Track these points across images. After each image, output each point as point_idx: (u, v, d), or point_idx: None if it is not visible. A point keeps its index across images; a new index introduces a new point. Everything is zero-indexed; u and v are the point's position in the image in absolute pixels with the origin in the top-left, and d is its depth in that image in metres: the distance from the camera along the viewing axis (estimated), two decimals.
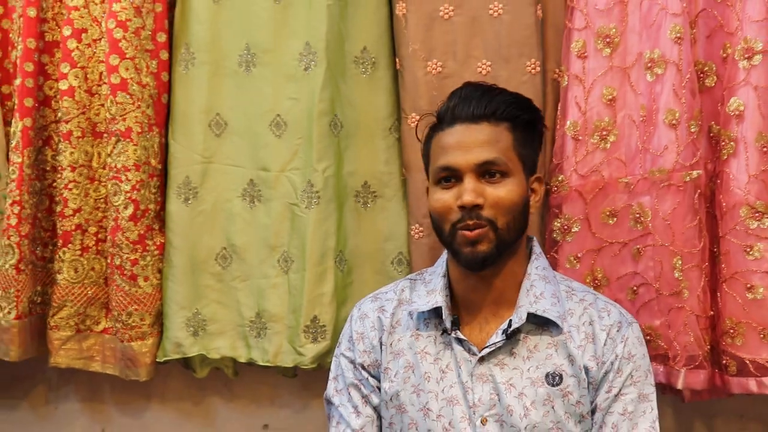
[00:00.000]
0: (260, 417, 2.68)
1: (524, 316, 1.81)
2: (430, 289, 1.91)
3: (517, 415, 1.79)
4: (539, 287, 1.85)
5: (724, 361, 2.19)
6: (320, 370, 2.35)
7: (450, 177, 1.81)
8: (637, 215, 2.23)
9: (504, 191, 1.78)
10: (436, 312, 1.88)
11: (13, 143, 2.39)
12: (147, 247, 2.40)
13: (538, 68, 2.28)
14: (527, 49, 2.28)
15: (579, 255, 2.27)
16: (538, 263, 1.90)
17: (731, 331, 2.17)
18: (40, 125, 2.44)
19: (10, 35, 2.50)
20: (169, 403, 2.71)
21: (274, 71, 2.39)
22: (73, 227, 2.42)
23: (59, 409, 2.75)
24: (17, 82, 2.39)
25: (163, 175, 2.46)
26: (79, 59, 2.41)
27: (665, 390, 2.32)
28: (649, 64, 2.21)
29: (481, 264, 1.79)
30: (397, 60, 2.37)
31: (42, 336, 2.49)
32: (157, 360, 2.45)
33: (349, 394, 1.94)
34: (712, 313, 2.21)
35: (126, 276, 2.38)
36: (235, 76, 2.42)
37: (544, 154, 2.30)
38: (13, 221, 2.37)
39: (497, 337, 1.81)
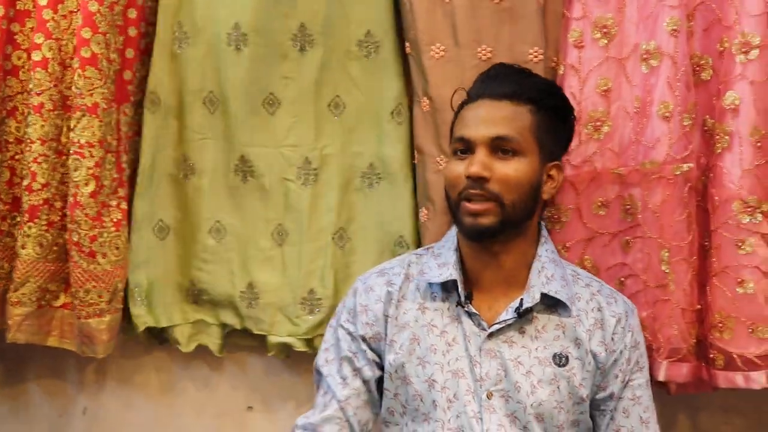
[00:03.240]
0: (244, 398, 2.67)
1: (537, 296, 1.85)
2: (442, 263, 1.93)
3: (524, 392, 1.84)
4: (550, 269, 1.90)
5: (711, 355, 2.21)
6: (312, 353, 2.34)
7: (465, 149, 1.85)
8: (628, 206, 2.23)
9: (512, 169, 1.81)
10: (445, 286, 1.91)
11: None
12: (104, 224, 2.37)
13: (541, 56, 2.27)
14: (530, 37, 2.27)
15: (568, 245, 2.27)
16: (548, 246, 1.95)
17: (720, 325, 2.18)
18: (5, 95, 2.38)
19: None
20: (145, 383, 2.70)
21: (267, 51, 2.40)
22: (41, 202, 2.36)
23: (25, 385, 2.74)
24: None
25: (118, 151, 2.42)
26: (54, 30, 2.34)
27: (650, 382, 2.33)
28: (645, 56, 2.21)
29: (479, 235, 1.84)
30: (407, 44, 2.36)
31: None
32: (151, 325, 2.46)
33: (340, 365, 1.98)
34: (699, 306, 2.23)
35: (84, 253, 2.34)
36: (226, 54, 2.41)
37: None
38: None
39: (508, 315, 1.85)
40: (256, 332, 2.45)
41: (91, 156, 2.30)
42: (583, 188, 2.25)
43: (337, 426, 1.94)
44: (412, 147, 2.41)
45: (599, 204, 2.25)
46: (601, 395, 1.90)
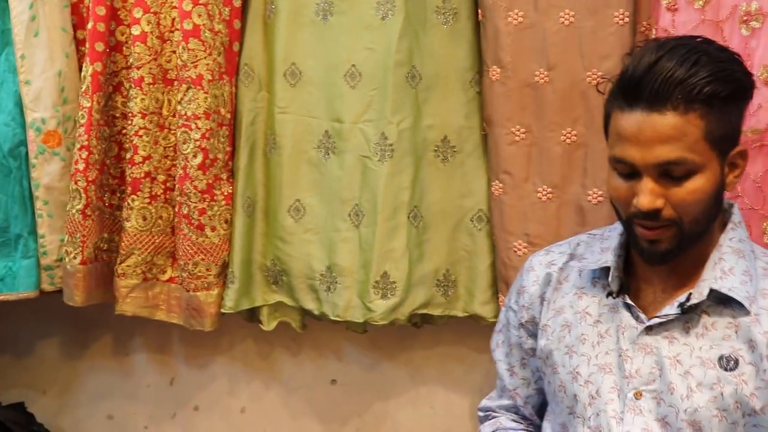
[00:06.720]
0: (328, 372, 2.69)
1: (705, 292, 1.62)
2: (605, 247, 1.76)
3: (678, 395, 1.62)
4: (729, 261, 1.64)
5: None
6: (391, 326, 2.36)
7: (628, 171, 1.59)
8: None
9: (688, 191, 1.55)
10: (606, 272, 1.73)
11: (83, 88, 2.39)
12: (215, 197, 2.40)
13: (627, 19, 2.22)
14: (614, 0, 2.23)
15: None
16: (735, 234, 1.68)
17: None
18: (110, 71, 2.44)
19: None
20: (235, 356, 2.75)
21: (351, 20, 2.36)
22: (143, 175, 2.42)
23: (130, 357, 2.82)
24: (89, 26, 2.38)
25: (232, 124, 2.45)
26: (152, 4, 2.39)
27: None
28: (745, 18, 2.13)
29: (660, 261, 1.62)
30: (479, 11, 2.33)
31: (108, 283, 2.52)
32: (226, 310, 2.46)
33: (510, 350, 1.92)
34: None
35: (193, 225, 2.39)
36: (312, 25, 2.40)
37: None
38: (81, 166, 2.38)
39: (672, 309, 1.64)
40: (332, 318, 2.40)
41: (198, 128, 2.34)
42: None
43: (510, 414, 1.95)
44: None
45: None
46: None
